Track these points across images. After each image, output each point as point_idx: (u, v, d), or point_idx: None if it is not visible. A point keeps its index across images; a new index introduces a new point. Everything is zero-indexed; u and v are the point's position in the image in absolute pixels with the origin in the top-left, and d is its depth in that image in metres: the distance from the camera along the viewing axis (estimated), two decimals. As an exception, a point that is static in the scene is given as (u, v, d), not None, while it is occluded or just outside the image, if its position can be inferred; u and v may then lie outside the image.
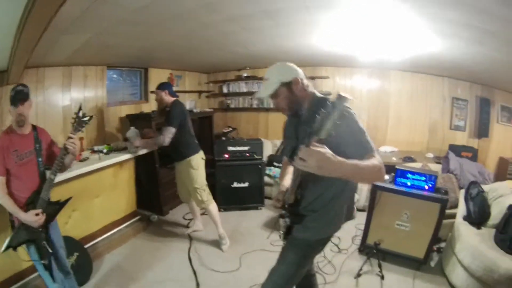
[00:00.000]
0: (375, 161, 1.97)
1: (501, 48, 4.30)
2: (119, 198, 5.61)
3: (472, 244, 3.95)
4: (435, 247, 4.73)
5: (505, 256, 3.63)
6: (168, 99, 5.07)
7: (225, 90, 9.48)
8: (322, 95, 2.48)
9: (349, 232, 5.68)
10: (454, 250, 4.20)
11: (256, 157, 6.88)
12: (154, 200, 6.48)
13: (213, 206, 5.37)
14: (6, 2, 2.48)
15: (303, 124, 2.37)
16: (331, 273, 4.60)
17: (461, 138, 7.48)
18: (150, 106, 7.37)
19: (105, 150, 5.29)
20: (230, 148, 6.85)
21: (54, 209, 3.19)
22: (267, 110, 9.11)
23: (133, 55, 5.99)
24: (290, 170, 2.75)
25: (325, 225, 2.55)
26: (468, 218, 4.51)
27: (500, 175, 6.54)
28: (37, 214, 2.98)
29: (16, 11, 2.57)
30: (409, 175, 4.53)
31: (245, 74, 9.02)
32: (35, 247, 3.09)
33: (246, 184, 6.84)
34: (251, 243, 5.48)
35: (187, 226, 6.13)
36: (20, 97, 2.99)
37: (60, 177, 3.82)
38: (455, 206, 5.06)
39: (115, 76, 6.81)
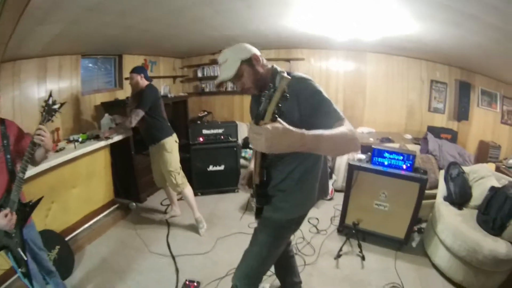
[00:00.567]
0: (344, 128, 1.81)
1: (480, 31, 4.30)
2: (97, 188, 5.57)
3: (454, 224, 4.01)
4: (415, 228, 4.82)
5: (488, 237, 3.71)
6: (143, 82, 5.05)
7: (199, 74, 9.43)
8: (281, 69, 2.22)
9: (328, 213, 5.76)
10: (436, 230, 4.26)
11: (231, 139, 6.87)
12: (131, 188, 6.45)
13: (188, 190, 5.37)
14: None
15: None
16: (311, 254, 4.65)
17: (440, 121, 7.53)
18: (125, 93, 7.27)
19: (80, 139, 5.22)
20: (205, 132, 6.82)
21: (25, 211, 2.92)
22: (242, 93, 8.96)
23: (106, 43, 5.92)
24: None
25: (296, 205, 2.53)
26: (448, 198, 4.56)
27: (481, 158, 6.61)
28: (6, 215, 2.68)
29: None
30: (386, 154, 4.56)
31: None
32: (11, 254, 2.87)
33: (222, 167, 6.85)
34: (229, 226, 5.51)
35: (165, 212, 6.13)
36: None
37: (35, 169, 3.78)
38: (435, 186, 5.12)
39: (90, 65, 6.71)
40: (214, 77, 9.17)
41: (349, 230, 4.79)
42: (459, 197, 4.49)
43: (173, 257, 4.67)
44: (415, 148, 6.39)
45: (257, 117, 1.59)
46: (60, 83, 5.59)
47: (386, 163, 4.57)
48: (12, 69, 4.71)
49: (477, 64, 6.43)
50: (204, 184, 6.78)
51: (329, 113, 2.00)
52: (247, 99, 8.88)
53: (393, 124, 7.97)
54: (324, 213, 5.79)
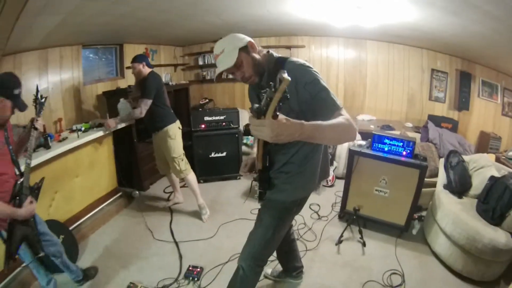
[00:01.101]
0: (342, 118, 1.91)
1: (480, 20, 4.29)
2: (100, 176, 5.59)
3: (454, 212, 4.03)
4: (416, 216, 4.84)
5: (487, 226, 3.73)
6: (146, 70, 5.04)
7: (200, 62, 9.47)
8: (279, 55, 2.41)
9: (329, 199, 5.83)
10: (436, 218, 4.29)
11: (233, 126, 6.90)
12: (134, 176, 6.49)
13: (191, 176, 5.42)
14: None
15: (263, 87, 2.31)
16: (312, 240, 4.71)
17: (441, 110, 7.54)
18: (127, 82, 7.30)
19: (83, 128, 5.24)
20: (207, 118, 6.85)
21: (36, 193, 2.99)
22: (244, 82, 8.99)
23: (107, 32, 5.93)
24: None
25: (298, 187, 2.59)
26: (448, 186, 4.59)
27: (481, 149, 6.59)
28: (31, 202, 2.82)
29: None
30: (387, 141, 4.58)
31: (220, 45, 8.91)
32: (26, 245, 2.93)
33: (224, 154, 6.90)
34: (231, 212, 5.58)
35: (167, 200, 6.19)
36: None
37: (39, 159, 3.86)
38: (435, 175, 5.15)
39: (91, 55, 6.72)
40: (215, 65, 9.10)
41: (350, 216, 4.83)
42: (459, 185, 4.51)
43: (177, 243, 4.72)
44: (416, 136, 6.38)
45: (259, 113, 1.65)
46: (62, 74, 5.61)
47: (386, 149, 4.59)
48: (13, 62, 4.73)
49: (478, 55, 6.42)
50: (206, 171, 6.84)
51: (327, 101, 2.06)
52: (248, 87, 8.96)
53: (394, 112, 8.00)
54: (326, 200, 5.85)
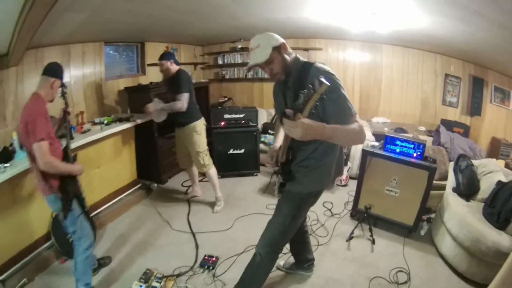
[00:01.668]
0: (355, 125, 2.24)
1: (487, 28, 4.35)
2: (120, 168, 5.77)
3: (461, 214, 4.08)
4: (425, 217, 4.94)
5: (492, 229, 3.75)
6: (174, 68, 5.13)
7: (220, 61, 9.59)
8: (305, 60, 2.62)
9: (342, 198, 5.95)
10: (443, 219, 4.35)
11: (252, 124, 7.04)
12: (154, 169, 6.65)
13: (213, 170, 5.59)
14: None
15: (290, 89, 2.55)
16: (324, 235, 4.83)
17: (453, 114, 7.49)
18: (147, 78, 7.46)
19: (105, 121, 5.44)
20: (226, 116, 7.00)
21: (75, 161, 3.54)
22: (262, 80, 9.25)
23: (129, 30, 6.07)
24: (283, 131, 2.95)
25: (316, 180, 2.81)
26: (457, 189, 4.63)
27: (492, 154, 6.52)
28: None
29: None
30: (398, 142, 4.68)
31: (239, 46, 9.10)
32: (77, 201, 3.43)
33: (242, 151, 7.05)
34: (247, 207, 5.73)
35: (185, 193, 6.35)
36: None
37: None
38: (445, 178, 5.17)
39: (111, 52, 6.90)
40: (235, 65, 9.41)
41: (361, 215, 4.94)
42: (467, 188, 4.54)
43: (193, 234, 4.88)
44: (428, 140, 6.40)
45: (295, 110, 2.10)
46: (84, 68, 5.80)
47: (397, 150, 4.69)
48: (35, 55, 4.90)
49: (489, 61, 6.39)
50: (225, 166, 6.99)
51: (344, 109, 2.31)
52: (266, 86, 9.18)
53: (407, 115, 8.00)
54: (339, 198, 5.97)
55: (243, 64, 9.21)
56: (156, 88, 6.36)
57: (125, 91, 6.77)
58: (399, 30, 5.96)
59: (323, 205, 5.66)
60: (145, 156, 6.48)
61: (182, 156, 5.73)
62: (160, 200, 6.06)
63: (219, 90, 10.06)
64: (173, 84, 5.13)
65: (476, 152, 6.20)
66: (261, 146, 7.30)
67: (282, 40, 2.53)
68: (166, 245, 4.67)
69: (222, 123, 6.96)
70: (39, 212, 4.21)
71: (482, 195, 4.45)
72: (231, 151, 7.02)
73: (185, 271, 4.03)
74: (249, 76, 9.27)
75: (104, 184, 5.39)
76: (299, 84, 2.25)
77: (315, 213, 5.32)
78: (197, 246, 4.57)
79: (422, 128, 7.46)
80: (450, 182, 4.85)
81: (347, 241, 4.69)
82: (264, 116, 8.48)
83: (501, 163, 5.42)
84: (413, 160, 4.53)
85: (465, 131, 6.97)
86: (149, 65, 7.58)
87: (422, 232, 4.88)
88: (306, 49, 8.39)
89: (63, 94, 3.52)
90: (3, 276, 3.71)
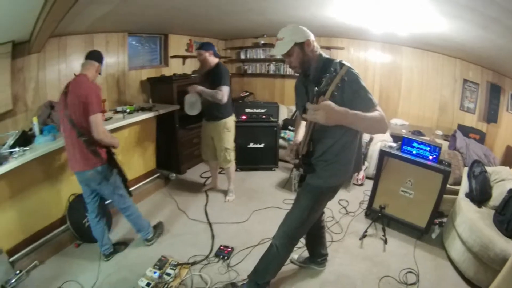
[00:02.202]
0: (376, 113, 2.34)
1: (506, 34, 4.30)
2: (140, 156, 5.87)
3: (471, 219, 4.08)
4: (437, 221, 4.93)
5: (501, 237, 3.74)
6: (212, 60, 5.06)
7: (242, 56, 9.66)
8: (327, 56, 2.75)
9: (357, 197, 5.99)
10: (454, 223, 4.35)
11: (272, 119, 7.09)
12: (173, 159, 6.76)
13: (233, 165, 5.68)
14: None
15: (311, 82, 2.64)
16: (338, 232, 4.89)
17: (470, 120, 7.39)
18: (170, 70, 7.60)
19: (128, 110, 5.53)
20: (248, 110, 7.08)
21: None
22: (283, 76, 9.29)
23: (153, 22, 6.14)
24: (303, 125, 3.05)
25: (334, 174, 2.87)
26: (469, 195, 4.63)
27: (506, 163, 6.25)
28: None
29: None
30: (415, 144, 4.72)
31: (262, 42, 9.11)
32: (118, 172, 3.96)
33: (262, 145, 7.09)
34: (264, 200, 5.79)
35: (204, 184, 6.40)
36: None
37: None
38: (459, 183, 5.18)
39: (134, 42, 6.99)
40: (257, 60, 9.47)
41: (375, 214, 5.00)
42: (479, 194, 4.54)
43: (210, 224, 4.96)
44: (444, 144, 6.37)
45: (318, 94, 2.20)
46: (107, 58, 5.77)
47: (414, 152, 4.73)
48: (57, 44, 5.01)
49: (507, 68, 6.27)
50: (244, 160, 7.02)
51: (365, 98, 2.41)
52: (288, 83, 9.23)
53: (425, 119, 7.97)
54: (354, 197, 6.02)
55: (265, 60, 9.31)
56: (179, 79, 6.46)
57: (148, 81, 6.88)
58: (419, 33, 5.97)
59: (339, 203, 5.71)
60: (165, 146, 6.57)
61: (207, 149, 5.70)
62: (178, 190, 6.15)
63: (240, 84, 10.15)
64: (210, 76, 5.04)
65: (490, 159, 6.13)
66: (281, 141, 7.34)
67: (309, 36, 2.66)
68: (182, 233, 4.76)
69: (244, 117, 7.02)
70: (56, 196, 4.34)
71: (493, 202, 4.43)
72: (250, 145, 7.07)
73: (200, 260, 4.11)
74: (271, 72, 9.32)
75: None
76: (320, 77, 2.30)
77: (331, 210, 5.38)
78: (213, 236, 4.65)
79: (439, 132, 7.43)
80: (464, 187, 4.87)
81: (360, 239, 4.73)
82: (285, 112, 8.54)
83: (514, 172, 5.41)
84: (428, 162, 4.55)
85: (481, 137, 6.90)
86: (172, 57, 7.70)
87: (434, 236, 4.88)
88: (328, 48, 8.39)
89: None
90: (14, 257, 3.82)
